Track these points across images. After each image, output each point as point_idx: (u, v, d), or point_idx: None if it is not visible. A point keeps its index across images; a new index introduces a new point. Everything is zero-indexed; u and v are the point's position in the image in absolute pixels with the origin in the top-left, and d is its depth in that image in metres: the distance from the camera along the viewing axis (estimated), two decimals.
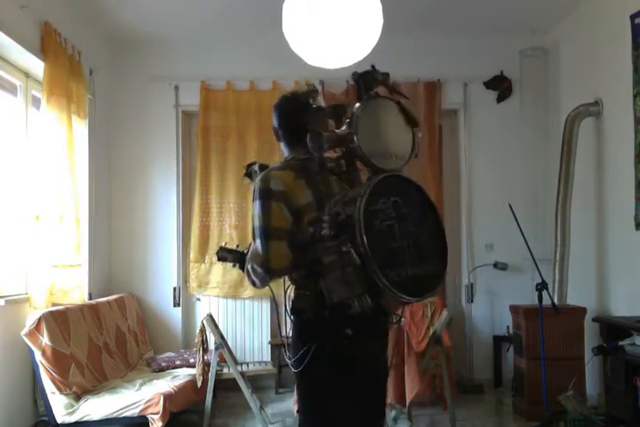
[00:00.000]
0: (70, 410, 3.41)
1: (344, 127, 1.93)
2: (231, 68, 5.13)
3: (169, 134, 5.16)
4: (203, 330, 3.86)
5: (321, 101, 2.07)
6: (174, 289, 5.09)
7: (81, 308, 3.95)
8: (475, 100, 5.19)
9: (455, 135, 5.31)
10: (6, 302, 3.45)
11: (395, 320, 2.01)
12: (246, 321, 5.07)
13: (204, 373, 3.83)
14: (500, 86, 5.15)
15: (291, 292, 2.04)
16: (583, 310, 4.08)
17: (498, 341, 4.99)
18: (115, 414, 3.41)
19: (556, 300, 4.10)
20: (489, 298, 5.12)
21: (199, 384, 3.83)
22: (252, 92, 5.14)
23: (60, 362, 3.44)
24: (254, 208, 1.92)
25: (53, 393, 3.40)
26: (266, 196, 1.90)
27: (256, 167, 2.19)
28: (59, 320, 3.57)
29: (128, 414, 3.42)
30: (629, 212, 3.83)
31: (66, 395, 3.41)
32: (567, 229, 4.38)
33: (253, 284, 2.01)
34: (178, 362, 4.33)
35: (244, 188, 5.07)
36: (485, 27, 4.95)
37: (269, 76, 5.11)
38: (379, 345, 2.03)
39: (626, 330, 3.46)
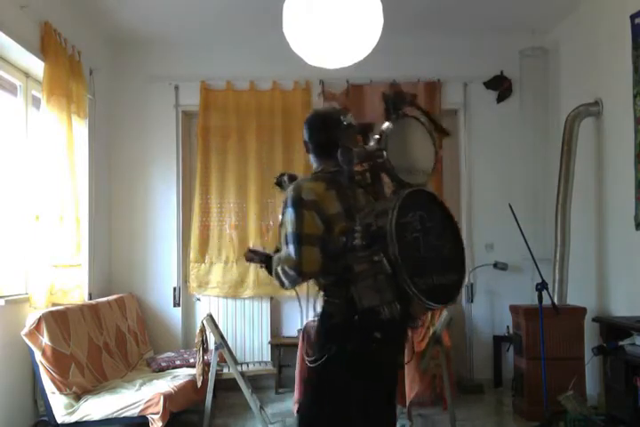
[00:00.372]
0: (70, 410, 3.41)
1: (372, 143, 2.08)
2: (231, 68, 5.13)
3: (169, 134, 5.16)
4: (203, 330, 3.86)
5: (351, 118, 2.20)
6: (174, 289, 5.09)
7: (81, 308, 3.94)
8: (475, 100, 5.19)
9: (455, 135, 5.30)
10: (6, 302, 3.45)
11: (417, 325, 2.13)
12: (246, 321, 5.07)
13: (204, 373, 3.83)
14: (500, 86, 5.15)
15: (318, 297, 2.14)
16: (583, 310, 4.07)
17: (498, 341, 4.99)
18: (115, 414, 3.41)
19: (556, 300, 4.10)
20: (489, 298, 5.12)
21: (199, 384, 3.83)
22: (252, 92, 5.14)
23: (60, 362, 3.44)
24: (286, 215, 2.04)
25: (53, 393, 3.40)
26: (298, 204, 2.02)
27: (285, 178, 2.32)
28: (59, 320, 3.57)
29: (128, 414, 3.41)
30: (629, 212, 3.83)
31: (66, 395, 3.41)
32: (567, 229, 4.38)
33: (282, 285, 2.09)
34: (178, 362, 4.33)
35: (244, 188, 5.09)
36: (485, 27, 4.95)
37: (269, 76, 5.11)
38: (398, 349, 2.17)
39: (626, 330, 3.46)
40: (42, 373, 3.40)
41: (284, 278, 2.05)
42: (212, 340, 3.97)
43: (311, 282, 2.17)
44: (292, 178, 2.29)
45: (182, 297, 5.12)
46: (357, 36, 2.69)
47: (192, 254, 5.07)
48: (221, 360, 3.95)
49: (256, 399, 3.93)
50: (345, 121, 2.18)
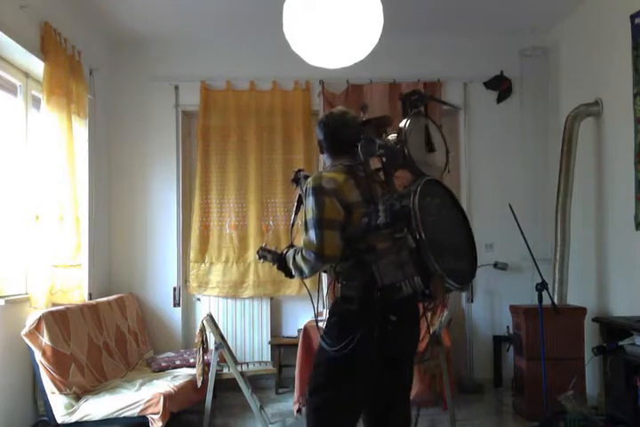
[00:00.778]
0: (70, 410, 3.41)
1: (391, 137, 2.19)
2: (231, 68, 5.13)
3: (169, 134, 5.16)
4: (203, 330, 3.86)
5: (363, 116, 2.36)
6: (174, 289, 5.09)
7: (81, 308, 3.94)
8: (475, 100, 5.19)
9: (455, 135, 5.30)
10: (6, 302, 3.45)
11: (435, 305, 2.28)
12: (246, 321, 5.07)
13: (204, 373, 3.83)
14: (500, 86, 5.15)
15: (335, 285, 2.20)
16: (583, 310, 4.07)
17: (498, 341, 4.99)
18: (115, 415, 3.41)
19: (556, 300, 4.09)
20: (489, 298, 5.12)
21: (199, 384, 3.83)
22: (252, 92, 5.14)
23: (60, 362, 3.43)
24: (308, 203, 2.10)
25: (53, 393, 3.40)
26: (318, 192, 2.08)
27: (301, 174, 2.41)
28: (59, 320, 3.57)
29: (128, 414, 3.41)
30: (629, 212, 3.83)
31: (66, 395, 3.41)
32: (567, 229, 4.38)
33: (301, 273, 2.16)
34: (178, 362, 4.33)
35: (244, 188, 5.09)
36: (485, 27, 4.95)
37: (269, 76, 5.11)
38: (415, 329, 2.24)
39: (626, 330, 3.46)
40: (42, 373, 3.40)
41: (303, 265, 2.11)
42: (212, 340, 3.97)
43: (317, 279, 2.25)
44: (308, 177, 2.33)
45: (182, 297, 5.12)
46: (357, 36, 2.69)
47: (192, 254, 5.07)
48: (221, 360, 3.95)
49: (256, 399, 3.94)
50: (363, 117, 2.28)
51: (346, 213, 2.08)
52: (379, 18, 2.69)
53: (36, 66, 3.84)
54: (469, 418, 4.12)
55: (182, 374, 4.05)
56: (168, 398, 3.45)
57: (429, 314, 2.93)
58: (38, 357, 3.39)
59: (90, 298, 4.42)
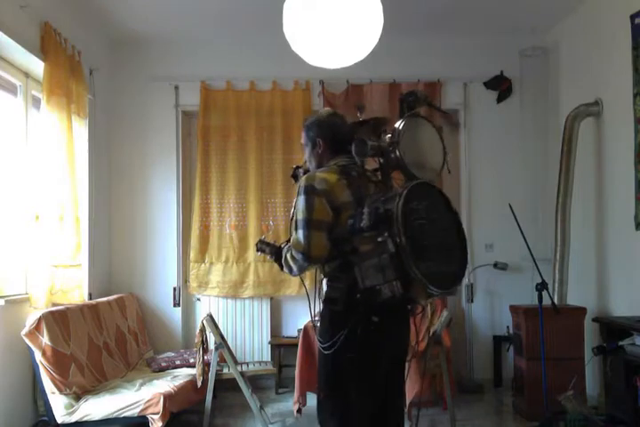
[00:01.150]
0: (70, 410, 3.41)
1: (386, 138, 2.19)
2: (231, 68, 5.13)
3: (169, 134, 5.16)
4: (203, 330, 3.86)
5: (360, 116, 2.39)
6: (174, 289, 5.09)
7: (81, 308, 3.94)
8: (475, 100, 5.19)
9: (455, 135, 5.30)
10: (6, 302, 3.45)
11: (418, 311, 2.26)
12: (246, 321, 5.07)
13: (204, 373, 3.83)
14: (500, 86, 5.15)
15: (322, 283, 2.23)
16: (583, 310, 4.07)
17: (498, 341, 5.00)
18: (115, 415, 3.41)
19: (556, 300, 4.09)
20: (489, 298, 5.12)
21: (199, 384, 3.83)
22: (252, 92, 5.14)
23: (60, 362, 3.43)
24: (298, 203, 2.14)
25: (53, 393, 3.40)
26: (309, 192, 2.12)
27: (301, 170, 2.42)
28: (59, 320, 3.57)
29: (128, 414, 3.41)
30: (629, 212, 3.83)
31: (66, 395, 3.41)
32: (567, 229, 4.38)
33: (290, 271, 2.21)
34: (178, 362, 4.33)
35: (244, 188, 5.09)
36: (485, 27, 4.95)
37: (269, 76, 5.11)
38: (403, 331, 2.26)
39: (626, 330, 3.46)
40: (42, 373, 3.40)
41: (292, 264, 2.17)
42: (212, 340, 3.97)
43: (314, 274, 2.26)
44: (307, 172, 2.35)
45: (182, 297, 5.12)
46: (357, 36, 2.69)
47: (192, 254, 5.07)
48: (221, 360, 3.95)
49: (256, 399, 3.94)
50: (360, 117, 2.29)
51: (334, 215, 2.11)
52: (379, 18, 2.70)
53: (36, 66, 3.84)
54: (469, 418, 4.13)
55: (182, 374, 4.05)
56: (168, 398, 3.45)
57: (419, 316, 3.00)
58: (38, 357, 3.39)
59: (90, 298, 4.42)
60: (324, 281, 2.23)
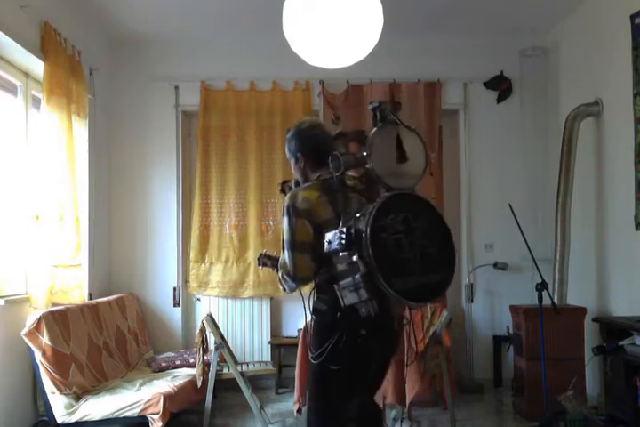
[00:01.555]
0: (70, 410, 3.41)
1: (362, 150, 2.14)
2: (231, 68, 5.13)
3: (169, 134, 5.16)
4: (203, 330, 3.86)
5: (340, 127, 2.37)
6: (174, 289, 5.09)
7: (81, 308, 3.94)
8: (475, 100, 5.19)
9: (455, 135, 5.31)
10: (6, 302, 3.45)
11: (404, 323, 2.30)
12: (246, 321, 5.07)
13: (204, 373, 3.83)
14: (500, 86, 5.15)
15: (312, 295, 2.26)
16: (583, 310, 4.07)
17: (498, 341, 5.00)
18: (115, 414, 3.41)
19: (556, 300, 4.10)
20: (489, 298, 5.12)
21: (199, 384, 3.83)
22: (252, 92, 5.14)
23: (60, 362, 3.43)
24: (283, 223, 2.19)
25: (53, 393, 3.40)
26: (291, 213, 2.16)
27: (292, 184, 2.40)
28: (59, 320, 3.57)
29: (128, 414, 3.41)
30: (629, 212, 3.83)
31: (66, 395, 3.41)
32: (567, 229, 4.38)
33: (284, 289, 2.27)
34: (178, 362, 4.33)
35: (244, 188, 5.09)
36: (485, 27, 4.95)
37: (269, 76, 5.11)
38: (388, 343, 2.27)
39: (626, 330, 3.46)
40: (42, 373, 3.40)
41: (283, 284, 2.24)
42: (212, 340, 3.97)
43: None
44: (297, 184, 2.38)
45: (182, 297, 5.12)
46: (357, 36, 2.69)
47: (192, 254, 5.07)
48: (221, 360, 3.95)
49: (256, 399, 3.94)
50: (337, 129, 2.30)
51: (317, 234, 2.12)
52: (379, 18, 2.69)
53: (36, 66, 3.84)
54: (469, 418, 4.13)
55: (182, 374, 4.05)
56: (168, 398, 3.45)
57: (418, 318, 3.06)
58: (38, 357, 3.39)
59: (90, 298, 4.42)
60: (314, 292, 2.25)
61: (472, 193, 5.18)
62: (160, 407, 3.38)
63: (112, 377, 3.91)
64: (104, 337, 4.09)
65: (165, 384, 3.72)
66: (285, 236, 2.17)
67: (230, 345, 4.17)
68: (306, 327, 4.04)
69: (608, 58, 4.16)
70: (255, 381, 4.73)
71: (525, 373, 4.03)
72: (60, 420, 3.41)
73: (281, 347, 5.04)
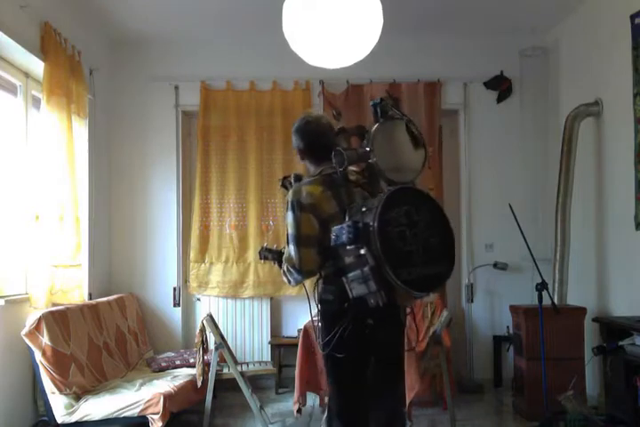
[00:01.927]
0: (70, 410, 3.41)
1: (364, 145, 2.21)
2: (231, 68, 5.13)
3: (169, 134, 5.16)
4: (203, 330, 3.86)
5: (341, 123, 2.45)
6: (174, 289, 5.09)
7: (81, 308, 3.94)
8: (475, 100, 5.19)
9: (455, 135, 5.31)
10: (6, 302, 3.45)
11: (408, 312, 2.41)
12: (246, 321, 5.07)
13: (204, 373, 3.83)
14: (500, 86, 5.15)
15: (319, 285, 2.32)
16: (583, 310, 4.07)
17: (498, 341, 4.99)
18: (115, 414, 3.41)
19: (556, 300, 4.09)
20: (489, 298, 5.12)
21: (199, 384, 3.83)
22: (252, 92, 5.14)
23: (60, 362, 3.44)
24: (287, 218, 2.24)
25: (53, 393, 3.40)
26: (296, 208, 2.21)
27: (291, 179, 2.43)
28: (59, 320, 3.57)
29: (128, 414, 3.41)
30: (629, 212, 3.83)
31: (66, 395, 3.41)
32: (567, 229, 4.38)
33: (289, 282, 2.31)
34: (178, 362, 4.33)
35: (244, 188, 5.09)
36: (485, 27, 4.95)
37: (269, 76, 5.11)
38: (395, 331, 2.37)
39: (626, 330, 3.46)
40: (42, 373, 3.40)
41: (289, 276, 2.28)
42: (212, 340, 3.97)
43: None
44: (298, 178, 2.41)
45: (182, 297, 5.12)
46: (357, 36, 2.69)
47: (192, 254, 5.07)
48: (221, 360, 3.95)
49: (256, 399, 3.94)
50: (338, 125, 2.37)
51: (322, 228, 2.19)
52: (378, 18, 2.70)
53: (36, 66, 3.84)
54: (469, 418, 4.13)
55: (182, 374, 4.05)
56: (168, 398, 3.45)
57: (420, 316, 3.11)
58: (38, 357, 3.39)
59: (90, 298, 4.42)
60: (320, 283, 2.31)
61: (472, 193, 5.18)
62: (160, 407, 3.38)
63: (112, 377, 3.91)
64: (104, 337, 4.09)
65: (165, 384, 3.72)
66: (290, 230, 2.22)
67: (230, 345, 4.17)
68: (306, 327, 4.06)
69: (608, 58, 4.16)
70: (255, 381, 4.73)
71: (525, 373, 4.03)
72: (59, 420, 3.41)
73: (281, 347, 5.04)
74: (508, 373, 4.82)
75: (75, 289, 4.01)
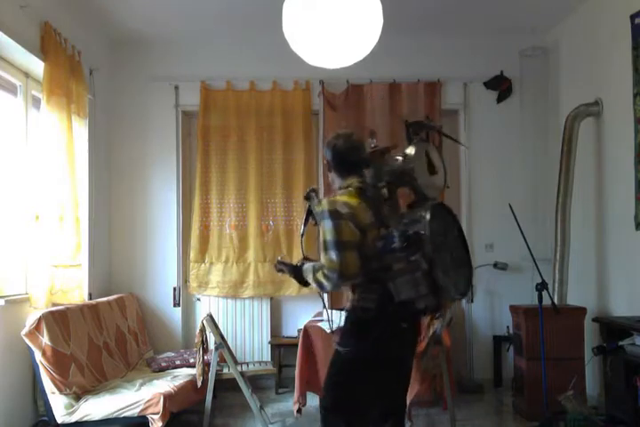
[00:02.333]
0: (70, 410, 3.41)
1: (398, 163, 2.48)
2: (231, 68, 5.13)
3: (169, 134, 5.16)
4: (203, 330, 3.86)
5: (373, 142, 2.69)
6: (174, 289, 5.09)
7: (81, 308, 3.94)
8: (475, 100, 5.19)
9: (455, 135, 5.30)
10: (6, 302, 3.45)
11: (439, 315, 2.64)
12: (246, 321, 5.07)
13: (204, 373, 3.83)
14: (500, 86, 5.15)
15: (356, 294, 2.40)
16: (583, 310, 4.07)
17: (498, 341, 4.99)
18: (115, 414, 3.41)
19: (556, 300, 4.09)
20: (489, 298, 5.12)
21: (199, 384, 3.83)
22: (252, 92, 5.14)
23: (60, 362, 3.43)
24: (325, 226, 2.32)
25: (53, 393, 3.40)
26: (335, 216, 2.30)
27: (313, 194, 2.59)
28: (59, 320, 3.57)
29: (128, 414, 3.41)
30: (629, 212, 3.83)
31: (66, 395, 3.41)
32: (567, 229, 4.38)
33: (322, 288, 2.36)
34: (178, 362, 4.33)
35: (244, 188, 5.09)
36: (485, 27, 4.95)
37: (269, 76, 5.11)
38: (416, 334, 2.55)
39: (626, 330, 3.46)
40: (42, 373, 3.40)
41: (325, 282, 2.30)
42: (212, 340, 3.97)
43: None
44: (314, 191, 2.60)
45: (182, 297, 5.12)
46: (357, 36, 2.70)
47: (192, 254, 5.07)
48: (221, 360, 3.95)
49: (256, 399, 3.94)
50: (372, 143, 2.58)
51: (361, 235, 2.31)
52: (378, 18, 2.70)
53: (36, 66, 3.84)
54: (469, 418, 4.12)
55: (182, 374, 4.05)
56: (168, 398, 3.45)
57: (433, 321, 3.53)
58: (38, 357, 3.39)
59: (90, 298, 4.42)
60: (357, 292, 2.37)
61: (472, 193, 5.18)
62: (160, 407, 3.38)
63: (112, 377, 3.91)
64: (104, 337, 4.09)
65: (165, 384, 3.72)
66: (329, 237, 2.28)
67: (230, 345, 4.17)
68: (306, 327, 4.06)
69: (608, 58, 4.16)
70: (255, 381, 4.73)
71: (525, 373, 4.03)
72: (59, 420, 3.41)
73: (281, 347, 5.04)
74: (508, 373, 4.82)
75: (75, 289, 4.01)
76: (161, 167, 5.14)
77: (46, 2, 3.98)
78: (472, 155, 5.19)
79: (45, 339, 3.40)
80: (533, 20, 4.76)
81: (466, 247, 2.47)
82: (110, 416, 3.41)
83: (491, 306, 5.11)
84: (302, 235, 2.65)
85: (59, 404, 3.41)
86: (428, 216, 2.23)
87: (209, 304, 5.06)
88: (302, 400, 3.94)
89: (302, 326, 4.16)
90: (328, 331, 3.85)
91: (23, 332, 3.40)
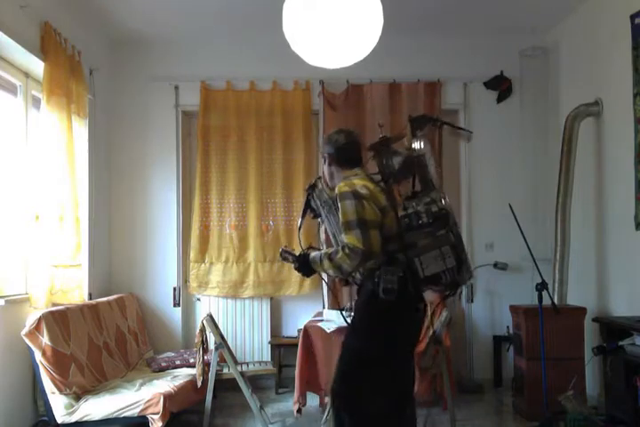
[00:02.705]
0: (70, 410, 3.41)
1: (407, 151, 2.56)
2: (231, 68, 5.13)
3: (169, 134, 5.16)
4: (203, 330, 3.86)
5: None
6: (174, 289, 5.09)
7: (81, 308, 3.94)
8: (475, 100, 5.19)
9: (455, 135, 5.29)
10: (6, 302, 3.45)
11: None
12: (246, 321, 5.07)
13: (204, 373, 3.83)
14: (500, 86, 5.15)
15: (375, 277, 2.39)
16: (583, 310, 4.07)
17: (498, 341, 4.99)
18: (115, 415, 3.41)
19: (556, 300, 4.09)
20: (489, 298, 5.12)
21: (199, 384, 3.83)
22: (252, 92, 5.14)
23: (60, 362, 3.43)
24: (346, 206, 2.34)
25: (53, 393, 3.40)
26: (356, 196, 2.35)
27: (320, 182, 2.62)
28: (59, 320, 3.57)
29: (128, 414, 3.41)
30: (629, 212, 3.83)
31: (66, 395, 3.41)
32: (567, 229, 4.38)
33: (340, 272, 2.37)
34: (178, 362, 4.33)
35: (244, 188, 5.09)
36: (485, 27, 4.95)
37: (269, 76, 5.11)
38: (422, 320, 2.61)
39: (626, 330, 3.46)
40: (42, 373, 3.40)
41: (346, 263, 2.31)
42: (212, 340, 3.97)
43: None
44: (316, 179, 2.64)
45: (182, 297, 5.12)
46: (357, 36, 2.70)
47: (192, 254, 5.07)
48: (221, 360, 3.95)
49: (256, 399, 3.94)
50: (380, 134, 2.59)
51: (381, 215, 2.37)
52: (379, 18, 2.70)
53: (36, 66, 3.84)
54: (469, 418, 4.12)
55: (182, 374, 4.05)
56: (168, 398, 3.45)
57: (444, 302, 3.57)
58: (38, 357, 3.39)
59: (90, 298, 4.42)
60: (377, 275, 2.36)
61: (472, 193, 5.18)
62: (160, 407, 3.38)
63: (112, 377, 3.91)
64: (104, 337, 4.09)
65: (165, 384, 3.72)
66: (351, 217, 2.31)
67: (230, 345, 4.17)
68: (306, 327, 4.06)
69: (608, 58, 4.16)
70: (255, 381, 4.73)
71: (525, 373, 4.03)
72: (59, 420, 3.41)
73: (281, 347, 5.04)
74: (508, 373, 4.82)
75: (75, 289, 4.01)
76: (161, 167, 5.14)
77: (46, 2, 3.98)
78: (472, 155, 5.19)
79: (45, 339, 3.40)
80: (533, 20, 4.76)
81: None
82: (110, 416, 3.41)
83: (491, 306, 5.11)
84: (300, 228, 2.67)
85: (59, 404, 3.41)
86: (445, 196, 2.36)
87: (209, 304, 5.06)
88: (302, 400, 3.94)
89: (302, 326, 4.17)
90: (328, 331, 3.86)
91: (23, 332, 3.40)
